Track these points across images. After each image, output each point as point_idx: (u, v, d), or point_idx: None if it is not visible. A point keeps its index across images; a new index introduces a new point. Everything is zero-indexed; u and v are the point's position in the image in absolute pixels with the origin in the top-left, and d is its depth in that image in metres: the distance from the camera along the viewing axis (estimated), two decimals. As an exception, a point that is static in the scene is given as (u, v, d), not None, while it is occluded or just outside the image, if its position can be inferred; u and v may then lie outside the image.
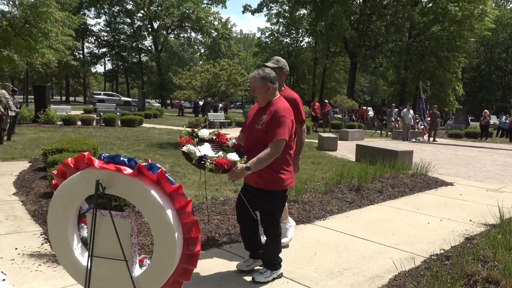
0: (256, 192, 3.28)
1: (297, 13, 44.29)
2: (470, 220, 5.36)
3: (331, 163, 10.01)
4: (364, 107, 36.59)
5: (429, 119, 20.14)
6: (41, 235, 4.18)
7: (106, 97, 40.18)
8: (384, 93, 50.50)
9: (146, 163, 1.62)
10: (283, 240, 3.97)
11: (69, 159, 1.69)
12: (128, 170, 1.58)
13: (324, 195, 6.10)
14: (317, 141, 14.91)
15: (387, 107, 25.36)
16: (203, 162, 2.94)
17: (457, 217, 5.49)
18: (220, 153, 3.10)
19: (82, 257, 1.75)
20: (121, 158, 1.60)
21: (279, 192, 3.26)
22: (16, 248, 3.77)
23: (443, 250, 4.16)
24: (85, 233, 1.74)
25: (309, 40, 49.87)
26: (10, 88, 12.05)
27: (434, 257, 3.93)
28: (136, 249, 1.65)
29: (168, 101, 57.46)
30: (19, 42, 19.68)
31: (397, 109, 24.85)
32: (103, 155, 1.65)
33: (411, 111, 19.97)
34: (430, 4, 35.75)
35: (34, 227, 4.43)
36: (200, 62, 54.91)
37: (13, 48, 20.09)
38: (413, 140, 19.55)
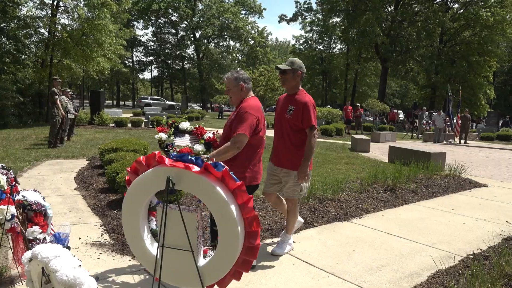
0: None
1: (330, 21, 43.82)
2: (507, 221, 5.12)
3: (365, 163, 9.82)
4: (395, 110, 35.71)
5: (460, 122, 19.40)
6: (100, 226, 4.33)
7: (152, 101, 41.11)
8: (414, 97, 49.12)
9: (211, 162, 1.65)
10: (276, 251, 3.71)
11: (141, 157, 1.75)
12: (196, 168, 1.61)
13: (359, 194, 5.99)
14: (350, 142, 14.68)
15: (418, 110, 24.64)
16: (166, 149, 3.10)
17: (493, 218, 5.26)
18: (196, 145, 3.17)
19: (152, 247, 1.80)
20: (189, 157, 1.64)
21: None
22: (80, 238, 3.92)
23: (480, 250, 3.99)
24: (154, 225, 1.79)
25: (341, 46, 49.21)
26: (69, 93, 12.57)
27: (472, 257, 3.78)
28: (201, 240, 1.68)
29: (208, 105, 58.20)
30: (77, 52, 20.48)
31: (427, 112, 24.10)
32: (172, 154, 1.69)
33: (442, 113, 19.33)
34: (462, 10, 34.48)
35: (94, 219, 4.59)
36: (238, 69, 55.28)
37: (71, 58, 20.96)
38: (445, 142, 18.88)
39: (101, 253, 3.58)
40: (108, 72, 28.33)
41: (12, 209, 2.62)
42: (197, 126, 3.58)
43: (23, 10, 20.66)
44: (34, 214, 2.15)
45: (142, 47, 55.55)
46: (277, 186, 3.75)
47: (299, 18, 46.17)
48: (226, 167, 1.64)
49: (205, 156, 2.93)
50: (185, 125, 3.51)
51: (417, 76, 40.45)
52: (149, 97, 45.82)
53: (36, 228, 2.08)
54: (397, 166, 7.61)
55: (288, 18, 45.30)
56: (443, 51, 34.35)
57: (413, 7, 35.95)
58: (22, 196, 2.17)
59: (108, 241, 3.90)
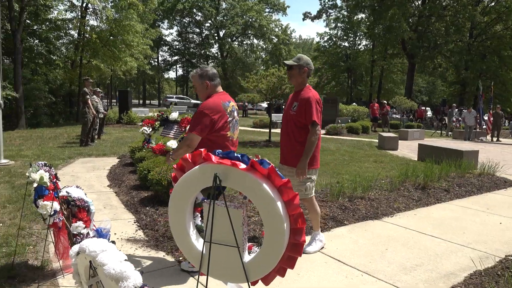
0: None
1: (355, 18, 43.21)
2: (546, 222, 4.93)
3: (393, 161, 9.67)
4: (423, 107, 34.92)
5: (492, 119, 18.79)
6: (134, 222, 4.42)
7: (178, 100, 41.69)
8: (443, 94, 47.91)
9: (257, 159, 1.66)
10: (307, 249, 3.64)
11: (187, 154, 1.79)
12: (243, 165, 1.64)
13: (390, 193, 5.90)
14: (377, 140, 14.47)
15: (447, 107, 24.02)
16: (143, 146, 3.61)
17: (531, 218, 5.08)
18: (169, 142, 3.59)
19: (197, 242, 1.84)
20: (235, 154, 1.66)
21: None
22: (115, 234, 4.01)
23: (520, 250, 3.86)
24: (198, 221, 1.82)
25: (367, 43, 48.45)
26: (99, 93, 12.88)
27: (511, 258, 3.67)
28: (246, 236, 1.70)
29: (232, 103, 58.42)
30: (106, 53, 20.97)
31: (457, 109, 23.45)
32: (217, 151, 1.72)
33: (473, 111, 18.80)
34: (493, 3, 33.35)
35: (128, 215, 4.70)
36: (262, 67, 55.23)
37: (100, 58, 21.49)
38: (476, 140, 18.34)
39: (136, 249, 3.67)
40: (135, 72, 28.86)
41: (55, 205, 2.72)
42: (183, 117, 3.78)
43: (54, 13, 21.29)
44: (78, 209, 2.23)
45: (167, 47, 56.32)
46: None
47: (324, 15, 45.68)
48: (272, 164, 1.65)
49: (171, 152, 3.19)
50: (174, 115, 3.76)
51: (445, 72, 39.45)
52: (175, 96, 46.44)
53: (80, 223, 2.16)
54: (428, 165, 7.45)
55: (312, 15, 44.88)
56: (473, 46, 33.34)
57: (442, 1, 35.02)
58: (66, 192, 2.25)
59: (143, 237, 3.98)
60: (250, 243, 1.90)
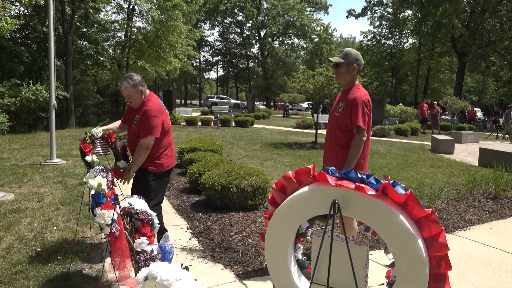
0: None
1: (401, 15, 41.68)
2: None
3: (452, 167, 9.02)
4: (475, 109, 33.07)
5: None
6: (187, 229, 4.23)
7: (218, 100, 41.85)
8: (495, 94, 45.29)
9: (387, 181, 1.33)
10: None
11: (290, 172, 1.47)
12: (371, 190, 1.33)
13: (458, 203, 5.39)
14: (429, 143, 13.72)
15: (503, 107, 22.51)
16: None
17: None
18: (119, 163, 3.40)
19: (300, 281, 1.52)
20: (358, 175, 1.33)
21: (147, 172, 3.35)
22: (169, 241, 3.82)
23: None
24: (300, 254, 1.54)
25: (413, 41, 46.63)
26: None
27: None
28: (367, 280, 1.38)
29: (272, 103, 58.20)
30: (151, 53, 21.31)
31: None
32: (330, 169, 1.40)
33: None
34: (554, -3, 31.04)
35: (180, 221, 4.51)
36: (302, 67, 54.55)
37: (145, 59, 21.88)
38: (537, 143, 16.99)
39: (192, 259, 3.45)
40: (177, 73, 29.23)
41: (114, 214, 2.53)
42: (108, 132, 3.62)
43: (101, 15, 21.91)
44: (141, 223, 2.02)
45: (209, 47, 56.90)
46: None
47: (368, 13, 44.43)
48: (410, 190, 1.31)
49: (128, 169, 3.28)
50: (97, 131, 3.65)
51: (500, 71, 37.15)
52: (216, 96, 46.77)
53: (144, 239, 1.94)
54: (497, 171, 6.80)
55: (357, 13, 43.75)
56: (531, 43, 31.19)
57: (496, -4, 33.00)
58: (129, 203, 2.05)
59: (197, 246, 3.77)
60: (369, 285, 1.58)
